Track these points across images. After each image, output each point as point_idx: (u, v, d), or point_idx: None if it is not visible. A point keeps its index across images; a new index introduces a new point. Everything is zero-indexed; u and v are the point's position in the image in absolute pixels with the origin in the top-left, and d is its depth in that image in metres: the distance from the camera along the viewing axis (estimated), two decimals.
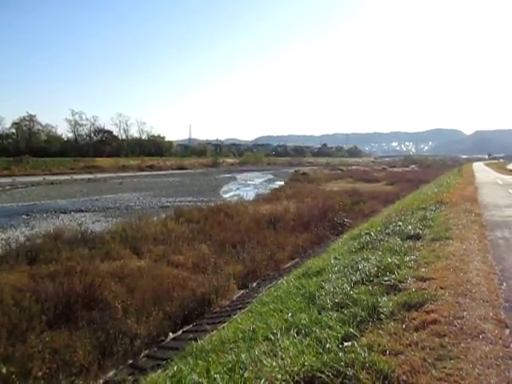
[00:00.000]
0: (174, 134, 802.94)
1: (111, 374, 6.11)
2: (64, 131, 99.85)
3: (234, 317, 6.47)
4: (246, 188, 43.86)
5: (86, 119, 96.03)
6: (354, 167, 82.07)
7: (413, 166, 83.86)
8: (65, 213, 24.58)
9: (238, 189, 43.28)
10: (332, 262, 6.74)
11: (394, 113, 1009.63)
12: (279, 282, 7.90)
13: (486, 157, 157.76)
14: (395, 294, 4.26)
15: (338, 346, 3.22)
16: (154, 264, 10.68)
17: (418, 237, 7.20)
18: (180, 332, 7.45)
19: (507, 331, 3.36)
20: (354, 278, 5.06)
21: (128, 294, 8.28)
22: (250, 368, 3.06)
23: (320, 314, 4.09)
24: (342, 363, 2.89)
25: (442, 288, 4.31)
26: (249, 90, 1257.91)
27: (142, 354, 6.73)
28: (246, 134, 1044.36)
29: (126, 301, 7.95)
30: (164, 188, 42.40)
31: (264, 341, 3.75)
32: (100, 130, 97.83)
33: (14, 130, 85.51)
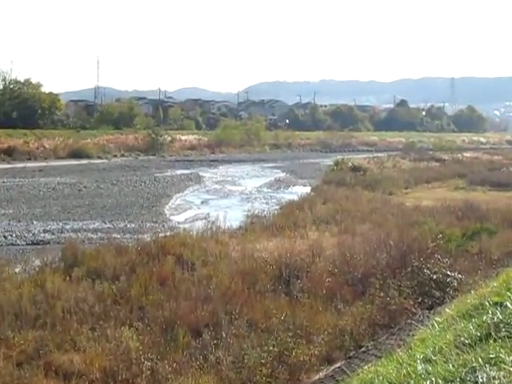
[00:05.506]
0: (63, 78, 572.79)
1: None
2: None
3: None
4: (224, 201, 35.35)
5: None
6: (468, 154, 57.84)
7: None
8: None
9: (204, 202, 33.81)
10: (419, 369, 4.47)
11: None
12: None
13: None
14: None
15: None
16: (17, 371, 9.16)
17: None
18: None
19: None
20: None
21: None
22: None
23: None
24: None
25: None
26: None
27: None
28: (226, 80, 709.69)
29: None
30: (40, 199, 32.77)
31: None
32: None
33: None
